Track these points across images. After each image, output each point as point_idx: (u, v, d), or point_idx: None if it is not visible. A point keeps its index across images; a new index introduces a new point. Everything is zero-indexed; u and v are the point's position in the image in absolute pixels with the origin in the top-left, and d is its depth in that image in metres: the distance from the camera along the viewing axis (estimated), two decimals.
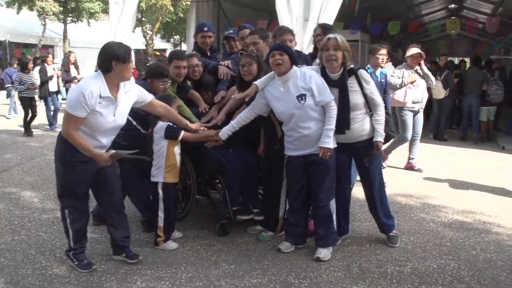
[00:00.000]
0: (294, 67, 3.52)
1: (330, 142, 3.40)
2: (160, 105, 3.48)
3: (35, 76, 9.76)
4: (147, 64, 19.20)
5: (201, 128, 3.77)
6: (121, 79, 3.12)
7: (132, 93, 3.24)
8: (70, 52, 8.94)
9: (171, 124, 3.62)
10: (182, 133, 3.61)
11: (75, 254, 3.33)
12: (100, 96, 2.99)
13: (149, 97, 3.38)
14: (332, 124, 3.40)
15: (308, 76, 3.45)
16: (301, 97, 3.41)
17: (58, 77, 10.48)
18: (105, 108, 3.04)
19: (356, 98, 3.53)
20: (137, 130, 3.81)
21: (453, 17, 15.89)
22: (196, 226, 4.20)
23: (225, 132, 3.73)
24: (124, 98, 3.17)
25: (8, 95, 13.71)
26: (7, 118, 12.43)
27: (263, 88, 3.60)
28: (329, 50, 3.45)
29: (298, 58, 3.77)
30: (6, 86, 13.79)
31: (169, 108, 3.55)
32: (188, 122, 3.71)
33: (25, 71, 9.43)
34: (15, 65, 14.29)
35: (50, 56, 10.51)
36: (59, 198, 3.32)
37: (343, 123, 3.47)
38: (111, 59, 3.00)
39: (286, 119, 3.54)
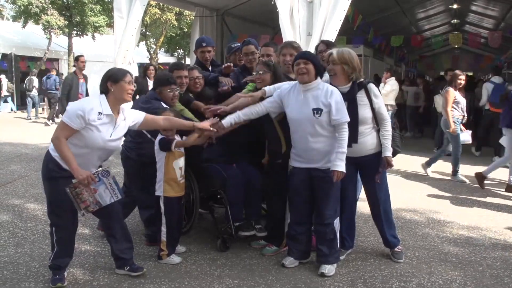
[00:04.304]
0: (319, 80, 3.46)
1: (342, 166, 3.33)
2: (161, 119, 3.47)
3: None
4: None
5: (210, 127, 3.50)
6: (120, 100, 3.18)
7: (128, 119, 3.31)
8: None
9: (164, 136, 3.60)
10: (175, 142, 3.57)
11: (52, 269, 3.31)
12: (100, 113, 3.09)
13: (141, 115, 3.39)
14: (344, 147, 3.34)
15: (330, 91, 3.37)
16: (317, 111, 3.35)
17: None
18: (103, 125, 3.11)
19: (365, 112, 3.53)
20: (152, 143, 3.76)
21: (456, 32, 16.02)
22: (199, 241, 4.18)
23: (228, 121, 3.60)
24: (122, 124, 3.26)
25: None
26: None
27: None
28: (329, 65, 3.52)
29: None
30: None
31: (171, 118, 3.51)
32: (194, 123, 3.60)
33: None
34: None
35: (152, 68, 8.76)
36: (48, 216, 3.33)
37: (351, 136, 3.43)
38: (107, 80, 3.18)
39: (295, 127, 3.49)
